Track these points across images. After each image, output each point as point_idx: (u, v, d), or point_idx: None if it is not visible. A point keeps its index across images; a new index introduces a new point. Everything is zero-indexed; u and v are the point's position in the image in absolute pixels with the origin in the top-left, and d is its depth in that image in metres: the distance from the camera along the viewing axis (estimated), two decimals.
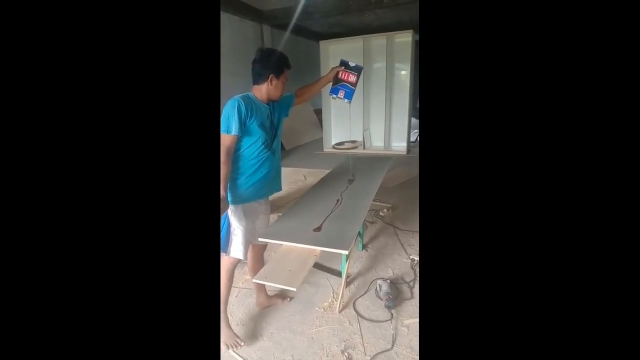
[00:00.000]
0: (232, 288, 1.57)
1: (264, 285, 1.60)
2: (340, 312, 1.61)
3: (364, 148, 5.28)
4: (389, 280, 1.76)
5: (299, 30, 6.37)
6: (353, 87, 1.60)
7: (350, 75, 1.59)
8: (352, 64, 1.59)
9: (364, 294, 1.74)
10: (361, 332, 1.48)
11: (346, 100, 1.61)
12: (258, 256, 1.59)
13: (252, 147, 1.31)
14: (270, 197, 1.55)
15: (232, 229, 1.35)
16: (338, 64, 1.60)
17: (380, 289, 1.69)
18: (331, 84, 1.61)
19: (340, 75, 1.59)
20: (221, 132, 1.25)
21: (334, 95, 1.62)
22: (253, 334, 1.50)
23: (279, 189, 1.53)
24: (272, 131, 1.37)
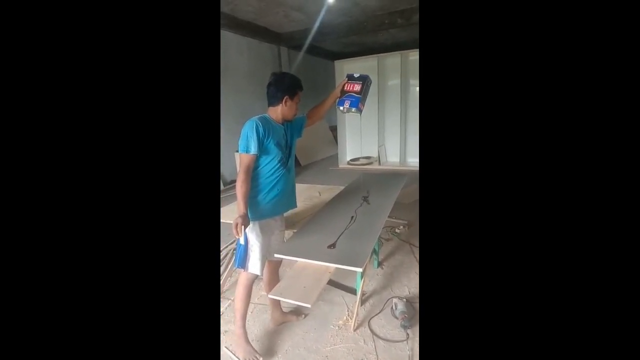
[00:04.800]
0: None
1: (279, 301, 1.61)
2: (355, 330, 1.59)
3: (379, 164, 5.29)
4: (405, 299, 1.73)
5: (315, 51, 6.59)
6: (358, 95, 1.59)
7: (355, 85, 1.59)
8: (356, 75, 1.60)
9: (379, 312, 1.72)
10: (376, 352, 1.45)
11: (353, 109, 1.58)
12: (273, 272, 1.62)
13: (269, 164, 1.37)
14: (286, 213, 1.58)
15: (249, 245, 1.39)
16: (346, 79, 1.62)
17: (396, 308, 1.66)
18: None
19: (345, 88, 1.60)
20: (240, 151, 1.32)
21: (340, 107, 1.61)
22: (268, 350, 1.51)
23: (294, 205, 1.57)
24: (287, 150, 1.43)
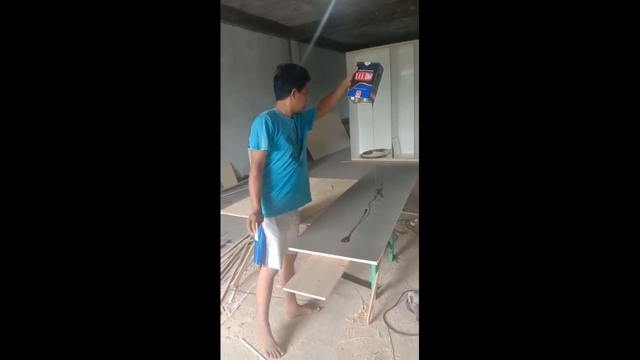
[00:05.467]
0: None
1: (294, 294, 1.63)
2: (370, 323, 1.59)
3: (393, 156, 5.22)
4: None
5: (325, 43, 6.51)
6: (370, 85, 1.52)
7: (366, 74, 1.53)
8: (367, 63, 1.55)
9: (394, 305, 1.71)
10: (392, 345, 1.45)
11: (365, 99, 1.52)
12: (288, 265, 1.63)
13: (281, 160, 1.36)
14: (299, 207, 1.58)
15: (267, 241, 1.40)
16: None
17: (412, 301, 1.65)
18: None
19: (356, 77, 1.54)
20: (251, 148, 1.31)
21: (352, 97, 1.53)
22: (284, 342, 1.53)
23: (309, 199, 1.57)
24: (298, 143, 1.41)
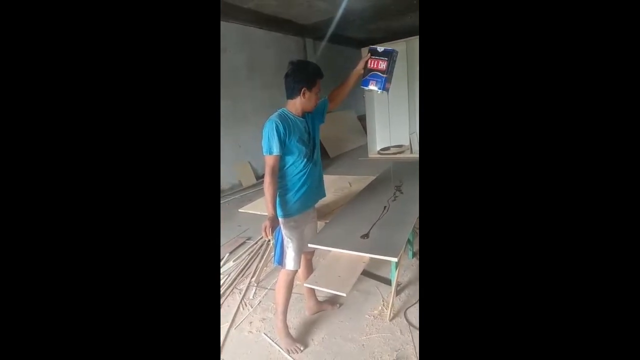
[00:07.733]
0: None
1: (314, 290, 1.64)
2: (391, 320, 1.58)
3: (411, 152, 5.13)
4: None
5: (340, 39, 6.46)
6: (384, 75, 1.42)
7: (380, 62, 1.43)
8: (380, 49, 1.44)
9: (415, 303, 1.69)
10: (414, 343, 1.43)
11: (379, 91, 1.44)
12: (307, 262, 1.64)
13: (295, 163, 1.34)
14: (316, 205, 1.58)
15: (284, 242, 1.40)
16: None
17: None
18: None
19: (370, 65, 1.44)
20: (264, 153, 1.29)
21: (365, 88, 1.46)
22: (304, 338, 1.55)
23: (324, 195, 1.56)
24: (310, 143, 1.38)
